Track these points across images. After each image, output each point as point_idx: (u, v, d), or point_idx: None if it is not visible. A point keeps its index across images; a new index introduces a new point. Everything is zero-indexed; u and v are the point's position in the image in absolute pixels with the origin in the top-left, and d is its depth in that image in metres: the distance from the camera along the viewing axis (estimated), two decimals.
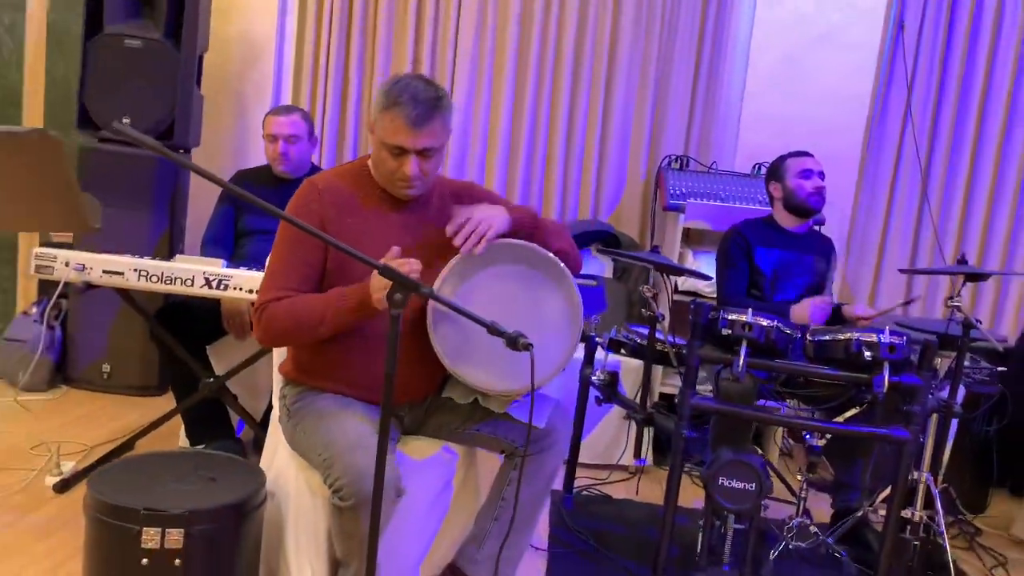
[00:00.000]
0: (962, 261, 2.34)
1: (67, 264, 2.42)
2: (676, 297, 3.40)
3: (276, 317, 1.74)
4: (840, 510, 2.64)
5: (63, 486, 2.50)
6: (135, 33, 3.35)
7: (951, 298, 2.25)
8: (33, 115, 3.69)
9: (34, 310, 3.58)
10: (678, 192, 3.54)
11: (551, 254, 1.85)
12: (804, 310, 2.64)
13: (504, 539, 1.86)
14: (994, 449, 3.07)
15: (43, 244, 3.73)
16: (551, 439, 1.90)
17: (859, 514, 2.55)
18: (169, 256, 3.39)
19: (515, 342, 1.52)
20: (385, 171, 1.81)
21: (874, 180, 3.85)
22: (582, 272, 2.29)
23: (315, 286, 1.79)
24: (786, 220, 2.88)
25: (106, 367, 3.55)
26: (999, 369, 2.63)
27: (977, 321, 2.27)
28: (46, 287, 3.61)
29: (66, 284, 2.50)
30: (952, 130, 3.80)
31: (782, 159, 2.86)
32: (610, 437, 3.21)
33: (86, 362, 3.56)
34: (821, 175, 2.80)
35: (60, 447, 2.65)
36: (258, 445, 2.79)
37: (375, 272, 1.70)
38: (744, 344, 2.10)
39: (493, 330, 1.52)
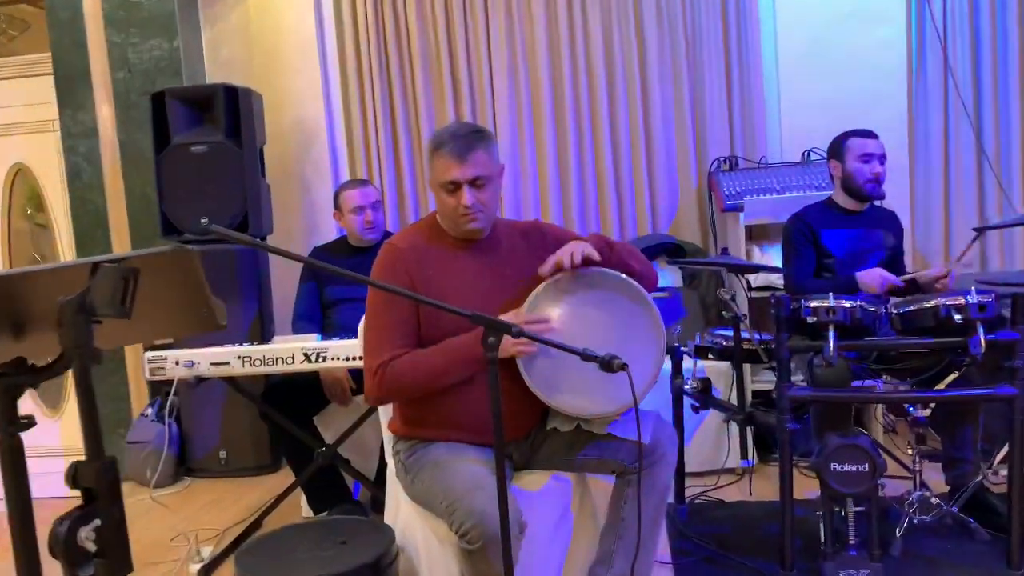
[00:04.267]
0: None
1: (177, 363, 2.60)
2: (752, 295, 3.42)
3: (400, 374, 1.85)
4: (955, 486, 2.60)
5: (207, 571, 2.66)
6: (199, 139, 3.60)
7: None
8: (119, 231, 3.97)
9: (149, 411, 3.82)
10: (733, 192, 3.58)
11: (623, 275, 1.93)
12: (874, 282, 2.63)
13: (634, 558, 1.91)
14: None
15: (147, 348, 4.01)
16: (659, 452, 1.95)
17: (979, 479, 2.51)
18: (264, 339, 3.60)
19: (609, 365, 1.58)
20: (448, 212, 1.93)
21: (926, 142, 3.80)
22: None
23: (415, 340, 1.91)
24: (846, 201, 2.88)
25: (222, 453, 3.75)
26: None
27: None
28: (157, 388, 3.85)
29: (178, 381, 2.69)
30: (996, 78, 3.73)
31: (845, 136, 2.85)
32: (712, 442, 3.23)
33: (203, 452, 3.78)
34: (882, 159, 2.79)
35: (198, 534, 2.83)
36: (375, 503, 2.92)
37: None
38: (832, 328, 2.13)
39: (586, 356, 1.59)
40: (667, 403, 2.85)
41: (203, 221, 3.58)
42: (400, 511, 2.12)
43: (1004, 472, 2.43)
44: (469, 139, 1.89)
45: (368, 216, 3.03)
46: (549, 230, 2.11)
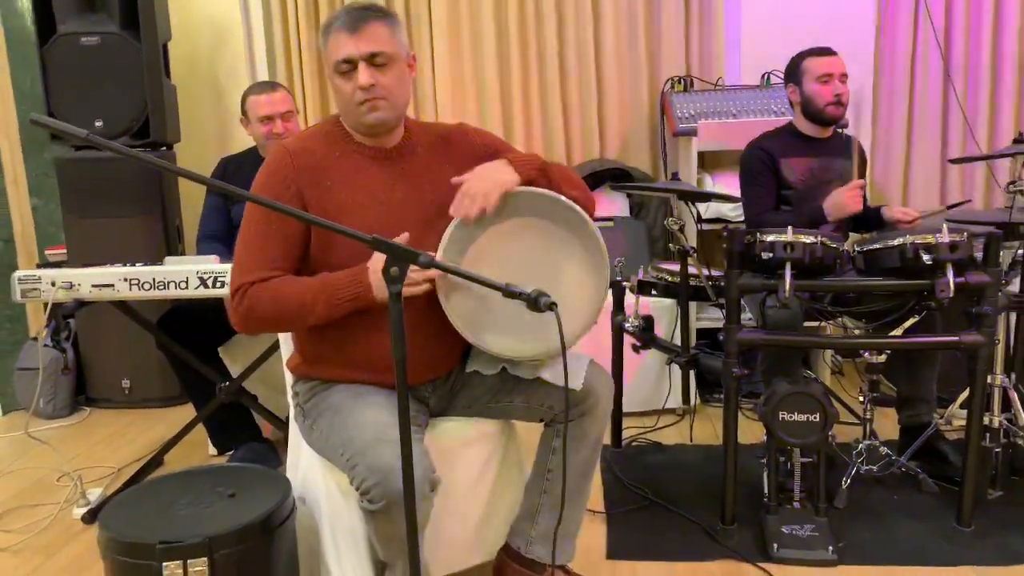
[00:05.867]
0: (1020, 140, 2.11)
1: (53, 284, 2.27)
2: (702, 227, 3.19)
3: (259, 302, 1.57)
4: (909, 425, 2.46)
5: (92, 516, 2.39)
6: (90, 29, 3.16)
7: (1013, 182, 2.03)
8: (8, 133, 3.52)
9: (44, 333, 3.47)
10: (686, 115, 3.32)
11: (564, 198, 1.67)
12: (840, 199, 2.39)
13: (559, 515, 1.71)
14: None
15: (40, 265, 3.61)
16: (591, 400, 1.74)
17: (933, 425, 2.37)
18: None
19: (536, 303, 1.34)
20: (346, 103, 1.63)
21: (892, 69, 3.58)
22: (596, 214, 2.10)
23: (296, 261, 1.62)
24: (807, 127, 2.64)
25: (126, 382, 3.44)
26: None
27: None
28: (55, 308, 3.48)
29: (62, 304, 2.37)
30: (968, 3, 3.50)
31: (801, 57, 2.60)
32: (652, 382, 3.03)
33: (105, 380, 3.46)
34: (843, 77, 2.54)
35: (82, 475, 2.55)
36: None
37: (375, 256, 1.54)
38: (788, 266, 1.91)
39: (509, 293, 1.35)
40: (606, 341, 2.64)
41: (97, 124, 3.18)
42: (301, 458, 1.87)
43: (958, 421, 2.31)
44: (365, 12, 1.60)
45: (277, 126, 2.65)
46: (476, 137, 1.80)
